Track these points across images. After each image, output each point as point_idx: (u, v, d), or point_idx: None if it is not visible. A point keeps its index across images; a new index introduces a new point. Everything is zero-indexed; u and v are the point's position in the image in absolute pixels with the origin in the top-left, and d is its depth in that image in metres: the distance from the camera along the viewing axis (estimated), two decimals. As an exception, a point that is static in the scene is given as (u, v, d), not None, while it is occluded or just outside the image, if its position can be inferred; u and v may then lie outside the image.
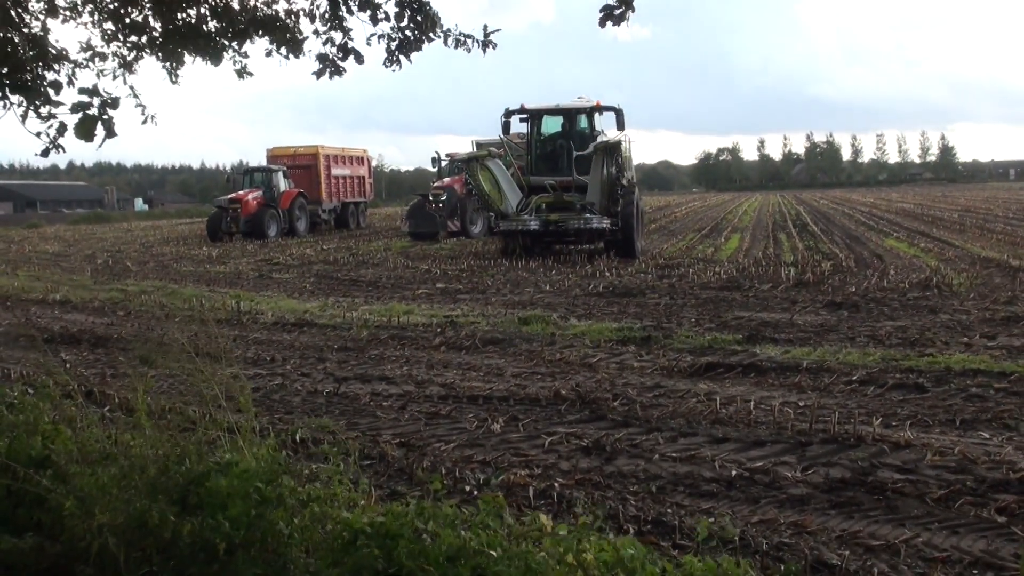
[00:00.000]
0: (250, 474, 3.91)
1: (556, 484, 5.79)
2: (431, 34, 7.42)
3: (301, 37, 7.55)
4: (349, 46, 7.52)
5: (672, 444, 6.67)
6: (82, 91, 5.41)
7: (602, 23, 6.23)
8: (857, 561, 4.60)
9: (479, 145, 22.01)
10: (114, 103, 5.39)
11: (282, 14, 7.48)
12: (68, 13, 7.45)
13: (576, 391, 8.17)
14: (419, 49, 7.43)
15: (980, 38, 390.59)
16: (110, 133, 5.47)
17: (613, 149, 21.86)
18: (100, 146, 5.66)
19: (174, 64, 7.61)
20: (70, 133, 5.72)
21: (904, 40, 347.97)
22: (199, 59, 7.40)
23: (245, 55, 7.73)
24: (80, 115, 5.44)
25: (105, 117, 5.41)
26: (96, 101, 5.37)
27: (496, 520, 3.86)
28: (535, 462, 6.33)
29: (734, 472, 5.97)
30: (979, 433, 6.69)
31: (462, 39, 7.51)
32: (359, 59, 7.59)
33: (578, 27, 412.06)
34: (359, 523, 3.78)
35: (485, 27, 7.49)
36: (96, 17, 7.48)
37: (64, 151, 6.24)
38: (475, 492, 5.60)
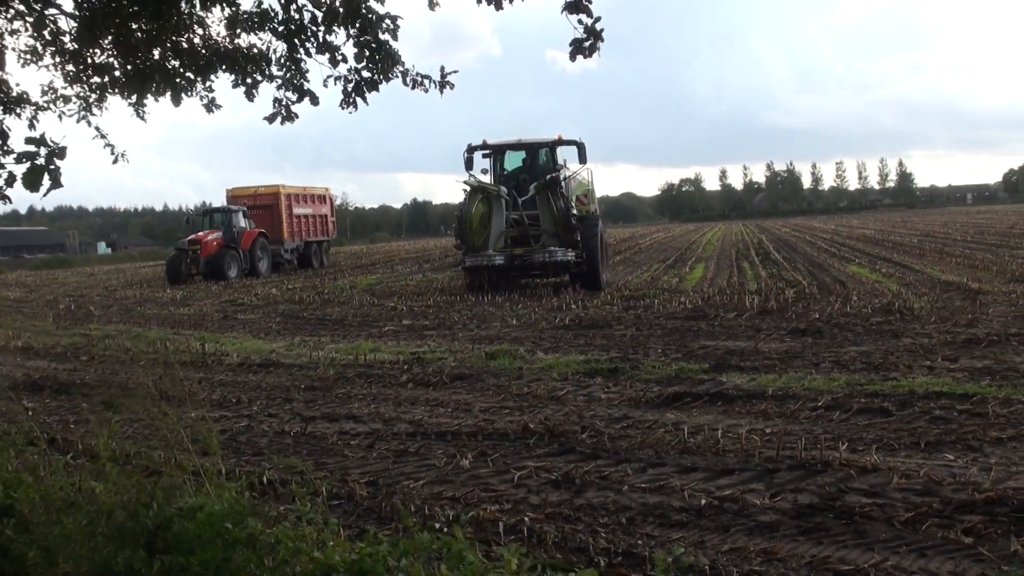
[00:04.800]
0: (216, 516, 3.87)
1: (526, 518, 5.77)
2: (390, 74, 7.48)
3: (269, 74, 7.58)
4: (305, 87, 7.56)
5: (641, 475, 6.67)
6: (28, 140, 5.38)
7: (572, 56, 6.31)
8: (827, 586, 4.62)
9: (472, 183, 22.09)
10: (60, 153, 5.37)
11: (244, 49, 7.52)
12: (29, 56, 7.45)
13: (544, 424, 8.17)
14: (376, 90, 7.48)
15: (930, 65, 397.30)
16: (56, 184, 5.44)
17: (553, 184, 22.04)
18: (45, 195, 5.63)
19: (140, 102, 7.63)
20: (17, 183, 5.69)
21: (854, 66, 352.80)
22: (163, 96, 7.42)
23: (210, 89, 7.76)
24: (27, 165, 5.41)
25: (52, 167, 5.39)
26: (43, 151, 5.35)
27: (473, 553, 3.85)
28: (505, 497, 6.31)
29: (703, 501, 5.98)
30: (944, 455, 6.75)
31: (419, 79, 7.58)
32: (314, 101, 7.63)
33: (525, 60, 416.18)
34: (332, 561, 3.76)
35: (442, 68, 7.59)
36: (58, 59, 7.48)
37: (10, 201, 6.20)
38: (445, 529, 5.57)
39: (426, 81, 7.57)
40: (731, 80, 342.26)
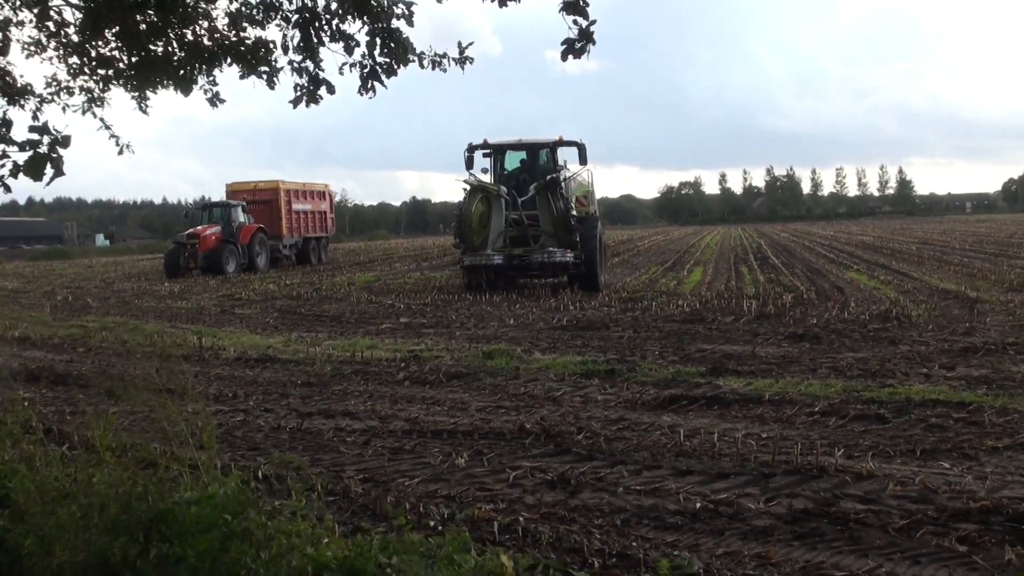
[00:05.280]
0: (217, 505, 3.87)
1: (521, 518, 5.77)
2: (407, 56, 7.43)
3: (275, 67, 7.55)
4: (320, 76, 7.52)
5: (636, 477, 6.68)
6: (32, 129, 5.36)
7: (564, 56, 6.31)
8: (821, 591, 4.63)
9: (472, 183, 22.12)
10: (64, 141, 5.35)
11: (251, 42, 7.50)
12: (33, 48, 7.43)
13: (540, 425, 8.17)
14: (395, 74, 7.44)
15: (930, 73, 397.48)
16: (58, 172, 5.43)
17: (553, 184, 22.09)
18: (48, 184, 5.61)
19: (143, 95, 7.60)
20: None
21: (854, 72, 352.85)
22: (169, 89, 7.39)
23: (214, 82, 7.73)
24: (30, 153, 5.40)
25: (54, 156, 5.38)
26: (46, 139, 5.33)
27: (463, 555, 3.85)
28: (500, 496, 6.32)
29: (698, 504, 5.98)
30: (939, 463, 6.76)
31: (438, 59, 7.52)
32: (331, 89, 7.59)
33: (526, 60, 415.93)
34: (324, 557, 3.76)
35: (460, 43, 7.51)
36: (62, 52, 7.46)
37: (10, 191, 6.19)
38: (440, 527, 5.57)
39: (444, 60, 7.50)
40: (730, 84, 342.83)
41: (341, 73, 7.47)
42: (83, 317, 20.50)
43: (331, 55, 7.43)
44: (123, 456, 4.78)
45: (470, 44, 7.55)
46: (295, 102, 7.63)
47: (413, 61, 7.45)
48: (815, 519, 5.68)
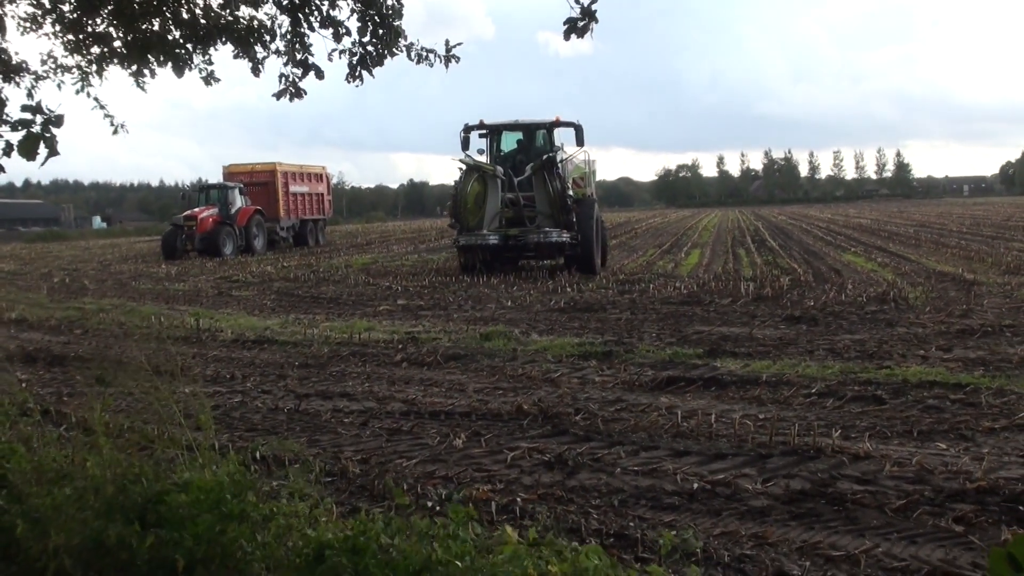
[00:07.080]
0: (215, 488, 3.86)
1: (518, 499, 5.78)
2: (394, 48, 7.42)
3: (264, 54, 7.52)
4: (309, 62, 7.50)
5: (634, 458, 6.67)
6: (25, 108, 5.33)
7: (566, 35, 6.26)
8: (817, 572, 4.63)
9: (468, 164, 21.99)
10: (57, 121, 5.32)
11: (244, 21, 7.47)
12: (28, 25, 7.38)
13: (538, 406, 8.17)
14: (381, 64, 7.43)
15: (927, 57, 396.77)
16: (52, 152, 5.40)
17: (549, 164, 21.98)
18: (42, 165, 5.60)
19: (139, 73, 7.57)
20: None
21: (849, 57, 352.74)
22: (166, 67, 7.36)
23: (210, 62, 7.71)
24: (23, 132, 5.37)
25: (48, 135, 5.35)
26: (39, 119, 5.30)
27: (465, 531, 3.85)
28: (497, 477, 6.32)
29: (695, 485, 5.98)
30: (936, 444, 6.76)
31: (424, 54, 7.52)
32: (319, 75, 7.57)
33: (519, 43, 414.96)
34: (326, 537, 3.75)
35: (447, 42, 7.53)
36: (57, 28, 7.42)
37: (3, 171, 6.17)
38: (438, 507, 5.57)
39: (431, 55, 7.51)
40: (727, 69, 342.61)
41: (330, 60, 7.46)
42: (80, 299, 20.48)
43: (321, 40, 7.42)
44: (120, 437, 4.77)
45: (458, 44, 7.55)
46: (279, 95, 7.62)
47: (401, 53, 7.46)
48: (812, 499, 5.68)
